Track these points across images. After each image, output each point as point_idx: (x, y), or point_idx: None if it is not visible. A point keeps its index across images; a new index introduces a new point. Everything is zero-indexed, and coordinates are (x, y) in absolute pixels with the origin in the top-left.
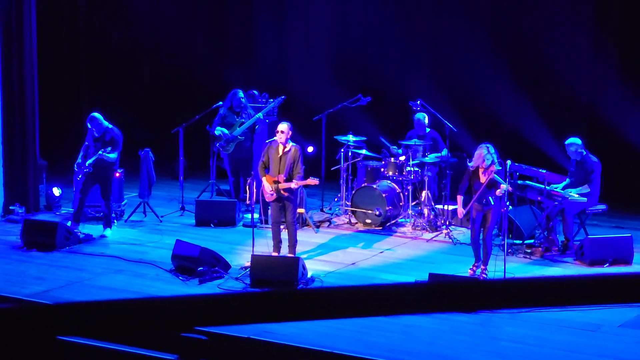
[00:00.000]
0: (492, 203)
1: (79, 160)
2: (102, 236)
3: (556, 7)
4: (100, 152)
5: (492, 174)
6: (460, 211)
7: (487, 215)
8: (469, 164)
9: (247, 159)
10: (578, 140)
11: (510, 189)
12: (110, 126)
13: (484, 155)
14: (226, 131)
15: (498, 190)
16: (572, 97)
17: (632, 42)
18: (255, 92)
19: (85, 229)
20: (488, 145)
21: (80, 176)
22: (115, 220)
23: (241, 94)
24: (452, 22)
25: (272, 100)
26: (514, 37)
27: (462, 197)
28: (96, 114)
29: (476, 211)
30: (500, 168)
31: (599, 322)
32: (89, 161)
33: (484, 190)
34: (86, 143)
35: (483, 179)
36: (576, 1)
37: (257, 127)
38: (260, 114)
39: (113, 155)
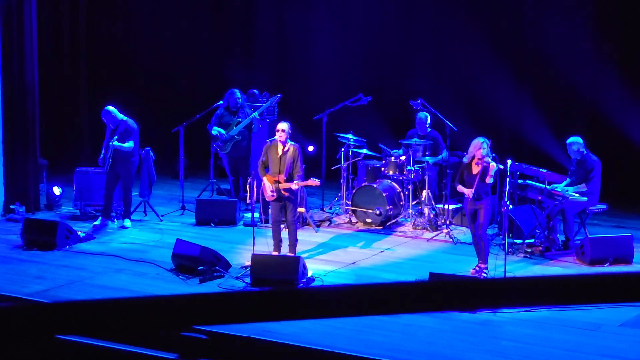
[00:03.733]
0: (481, 198)
1: (101, 155)
2: (123, 227)
3: (557, 5)
4: (114, 142)
5: (485, 164)
6: (469, 191)
7: (478, 211)
8: (463, 159)
9: (244, 158)
10: (579, 140)
11: (502, 166)
12: (125, 118)
13: (481, 144)
14: (223, 131)
15: (488, 176)
16: (573, 97)
17: (633, 42)
18: (255, 91)
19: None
20: (484, 137)
21: (106, 170)
22: (115, 220)
23: (238, 93)
24: (453, 21)
25: (275, 103)
26: (515, 36)
27: (460, 185)
28: (110, 107)
29: (469, 207)
30: (494, 163)
31: (599, 321)
32: (108, 154)
33: (477, 182)
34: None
35: (476, 169)
36: (578, 2)
37: (253, 126)
38: (256, 113)
39: (128, 145)
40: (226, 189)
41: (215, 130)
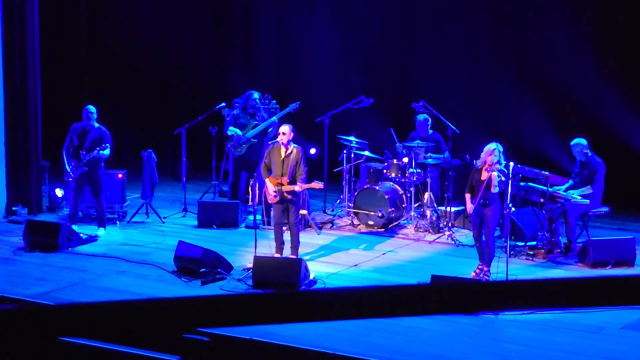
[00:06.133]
0: (488, 204)
1: (69, 164)
2: (96, 236)
3: (559, 9)
4: (97, 150)
5: (492, 172)
6: (470, 207)
7: (485, 217)
8: (476, 162)
9: (257, 161)
10: (584, 141)
11: (503, 178)
12: (98, 125)
13: (493, 150)
14: (239, 132)
15: (492, 186)
16: (575, 99)
17: (634, 45)
18: (258, 93)
19: (86, 229)
20: (498, 143)
21: (71, 178)
22: (117, 222)
23: (256, 95)
24: (455, 23)
25: (275, 103)
26: (516, 38)
27: (469, 195)
28: (93, 108)
29: (475, 212)
30: (506, 171)
31: (601, 324)
32: (84, 160)
33: (483, 190)
34: (67, 143)
35: (484, 175)
36: (579, 5)
37: (270, 130)
38: (275, 118)
39: (107, 152)
40: (227, 190)
41: (232, 131)
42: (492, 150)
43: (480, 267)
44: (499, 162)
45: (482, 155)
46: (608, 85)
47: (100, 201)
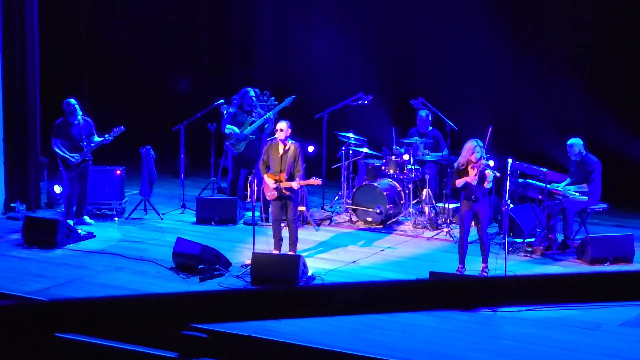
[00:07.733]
0: (480, 200)
1: (75, 156)
2: (87, 223)
3: (556, 6)
4: (106, 136)
5: (482, 167)
6: (472, 178)
7: (477, 213)
8: (455, 164)
9: (257, 158)
10: (579, 141)
11: (498, 175)
12: (81, 115)
13: (474, 148)
14: (237, 130)
15: (486, 181)
16: (574, 96)
17: (633, 35)
18: (256, 90)
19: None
20: (477, 139)
21: (77, 165)
22: (116, 218)
23: (252, 92)
24: (454, 20)
25: (274, 99)
26: (516, 34)
27: (459, 179)
28: (74, 100)
29: (465, 209)
30: (492, 164)
31: (599, 320)
32: (89, 149)
33: (475, 185)
34: (60, 141)
35: (473, 173)
36: (576, 3)
37: (266, 126)
38: (270, 114)
39: (101, 138)
40: (226, 187)
41: (229, 129)
42: (472, 148)
43: (460, 268)
44: (482, 156)
45: (463, 153)
46: (608, 82)
47: (86, 193)
